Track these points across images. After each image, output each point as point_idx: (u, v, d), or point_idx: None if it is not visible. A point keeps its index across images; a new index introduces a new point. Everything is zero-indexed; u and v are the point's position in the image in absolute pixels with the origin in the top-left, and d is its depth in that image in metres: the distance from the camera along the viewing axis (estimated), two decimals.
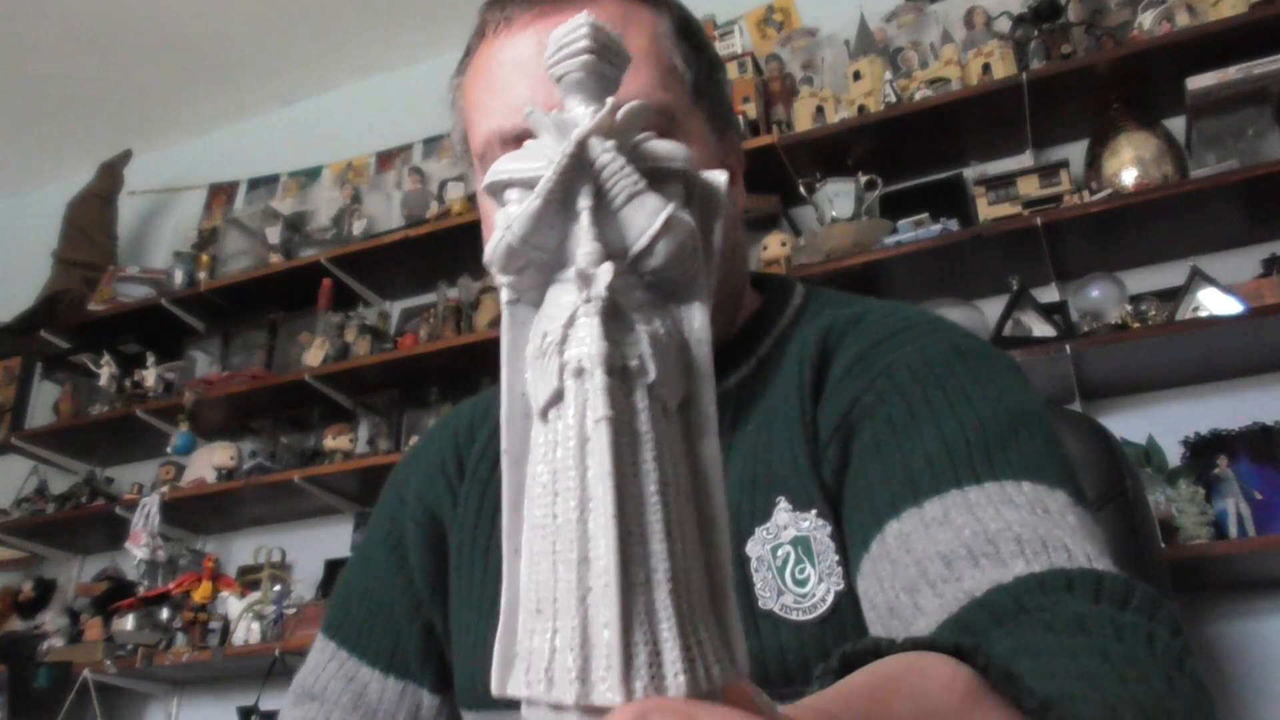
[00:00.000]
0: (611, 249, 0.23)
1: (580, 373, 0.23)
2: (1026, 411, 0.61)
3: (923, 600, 0.53)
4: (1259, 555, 1.80)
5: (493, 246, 0.24)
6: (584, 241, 0.23)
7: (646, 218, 0.23)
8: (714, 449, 0.24)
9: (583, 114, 0.24)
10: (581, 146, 0.23)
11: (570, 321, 0.23)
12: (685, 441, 0.24)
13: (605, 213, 0.23)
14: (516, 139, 0.67)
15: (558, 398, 0.23)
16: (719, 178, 0.26)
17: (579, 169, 0.23)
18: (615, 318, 0.23)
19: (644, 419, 0.23)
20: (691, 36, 0.73)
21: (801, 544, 0.63)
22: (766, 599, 0.63)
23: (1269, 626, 1.90)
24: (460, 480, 0.82)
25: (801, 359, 0.69)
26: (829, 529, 0.63)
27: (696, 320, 0.25)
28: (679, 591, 0.22)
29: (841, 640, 0.59)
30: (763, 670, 0.61)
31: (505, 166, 0.25)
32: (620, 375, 0.23)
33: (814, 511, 0.63)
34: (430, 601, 0.82)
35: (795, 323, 0.76)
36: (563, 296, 0.23)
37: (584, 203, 0.23)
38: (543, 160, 0.24)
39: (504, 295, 0.25)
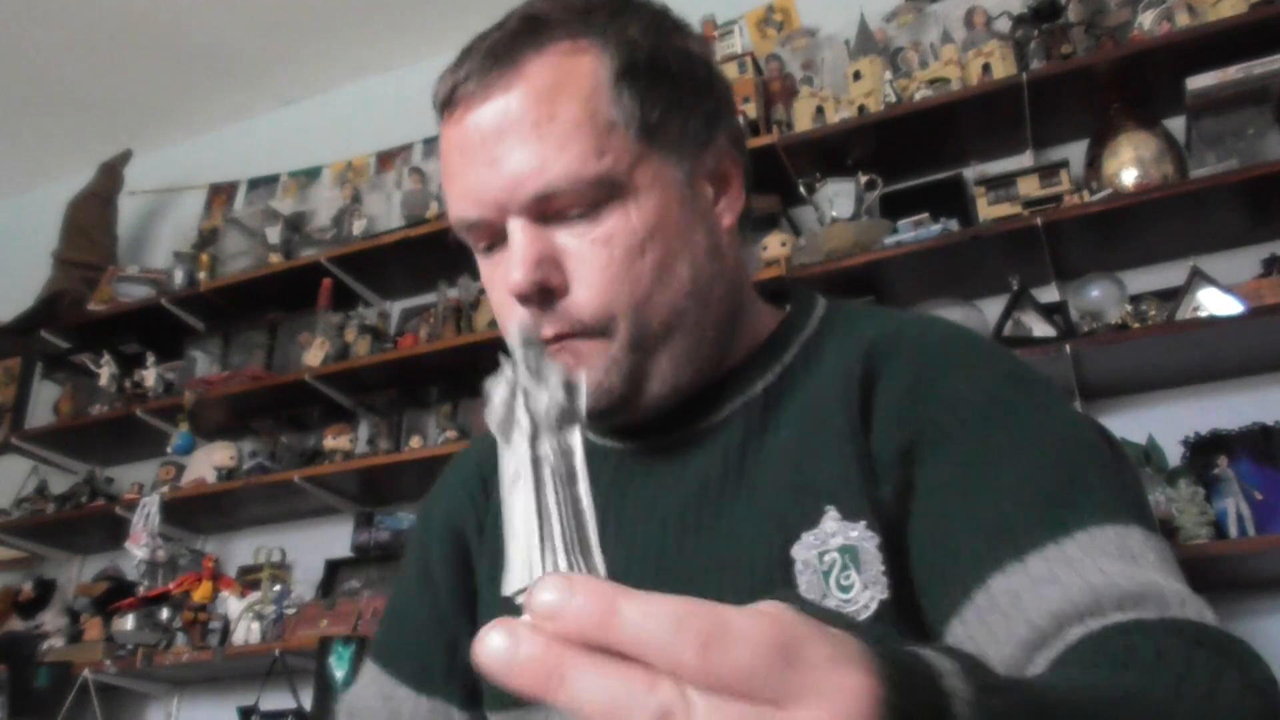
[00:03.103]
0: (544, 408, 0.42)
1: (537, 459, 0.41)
2: (1084, 441, 0.64)
3: (1037, 656, 0.56)
4: (1259, 555, 1.80)
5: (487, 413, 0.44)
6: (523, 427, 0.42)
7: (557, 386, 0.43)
8: (586, 488, 0.41)
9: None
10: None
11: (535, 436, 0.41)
12: (570, 484, 0.40)
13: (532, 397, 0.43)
14: (468, 228, 0.71)
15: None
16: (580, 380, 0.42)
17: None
18: (550, 434, 0.41)
19: (563, 472, 0.41)
20: (645, 72, 0.70)
21: (849, 552, 0.64)
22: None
23: (1269, 626, 1.91)
24: (484, 497, 0.85)
25: (847, 374, 0.70)
26: (877, 540, 0.64)
27: (577, 436, 0.41)
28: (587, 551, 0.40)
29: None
30: None
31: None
32: (549, 454, 0.41)
33: (863, 523, 0.65)
34: (456, 615, 0.83)
35: (821, 333, 0.77)
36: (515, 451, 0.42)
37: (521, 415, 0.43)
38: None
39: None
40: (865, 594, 0.64)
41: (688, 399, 0.74)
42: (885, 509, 0.66)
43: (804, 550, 0.66)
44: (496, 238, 0.71)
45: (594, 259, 0.68)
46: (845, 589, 0.64)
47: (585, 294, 0.68)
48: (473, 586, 0.84)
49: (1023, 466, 0.62)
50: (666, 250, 0.70)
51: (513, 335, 0.50)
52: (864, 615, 0.63)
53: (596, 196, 0.68)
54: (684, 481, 0.73)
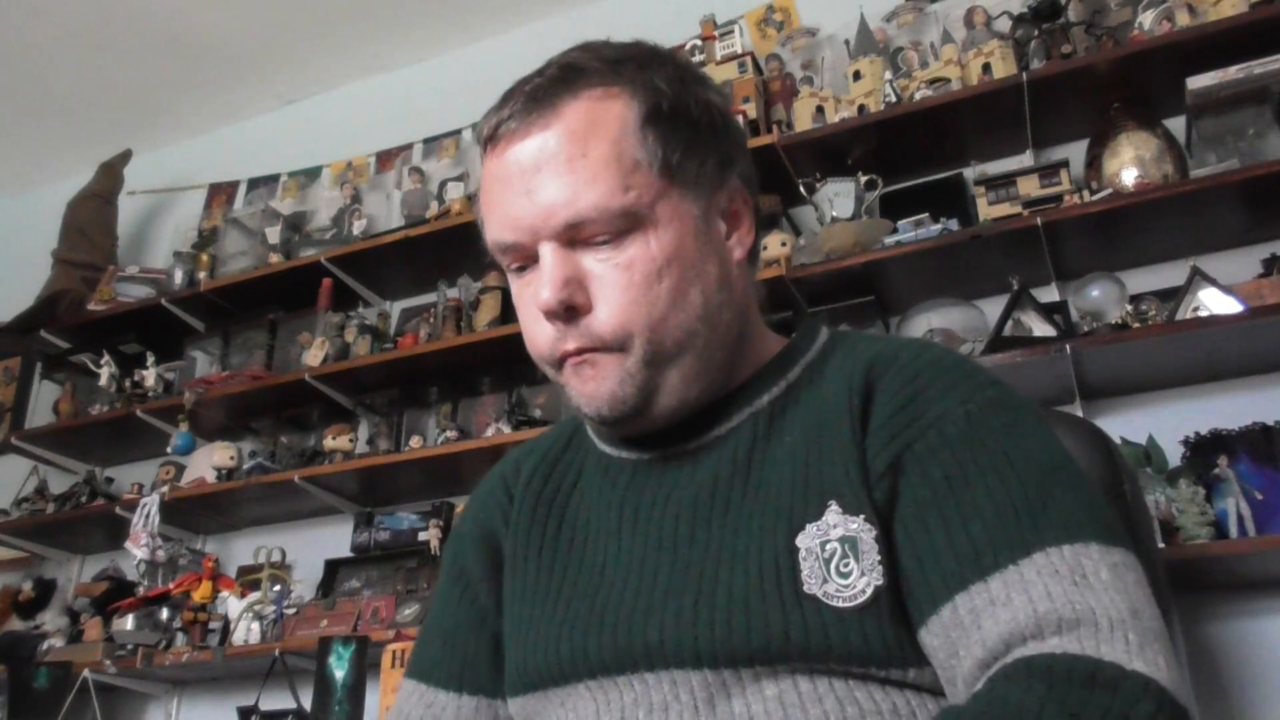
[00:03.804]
0: None
1: None
2: (1055, 465, 0.71)
3: (985, 675, 0.64)
4: (1259, 555, 1.80)
5: None
6: None
7: None
8: None
9: None
10: None
11: None
12: None
13: None
14: (503, 249, 0.80)
15: None
16: None
17: None
18: None
19: None
20: (668, 117, 0.78)
21: (849, 542, 0.71)
22: (811, 585, 0.70)
23: (1269, 626, 1.90)
24: (510, 503, 0.91)
25: (849, 387, 0.78)
26: (875, 533, 0.71)
27: None
28: None
29: (876, 627, 0.69)
30: (804, 646, 0.69)
31: None
32: None
33: (862, 517, 0.72)
34: (494, 612, 0.88)
35: (823, 356, 0.85)
36: None
37: None
38: None
39: None
40: (862, 580, 0.70)
41: (697, 413, 0.81)
42: (877, 506, 0.73)
43: (807, 539, 0.72)
44: (528, 259, 0.79)
45: (615, 282, 0.76)
46: (844, 575, 0.70)
47: (606, 313, 0.76)
48: (503, 580, 0.89)
49: (994, 489, 0.69)
50: (682, 277, 0.77)
51: None
52: (861, 599, 0.69)
53: (621, 226, 0.76)
54: (696, 481, 0.80)
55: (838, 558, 0.71)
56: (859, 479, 0.73)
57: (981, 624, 0.65)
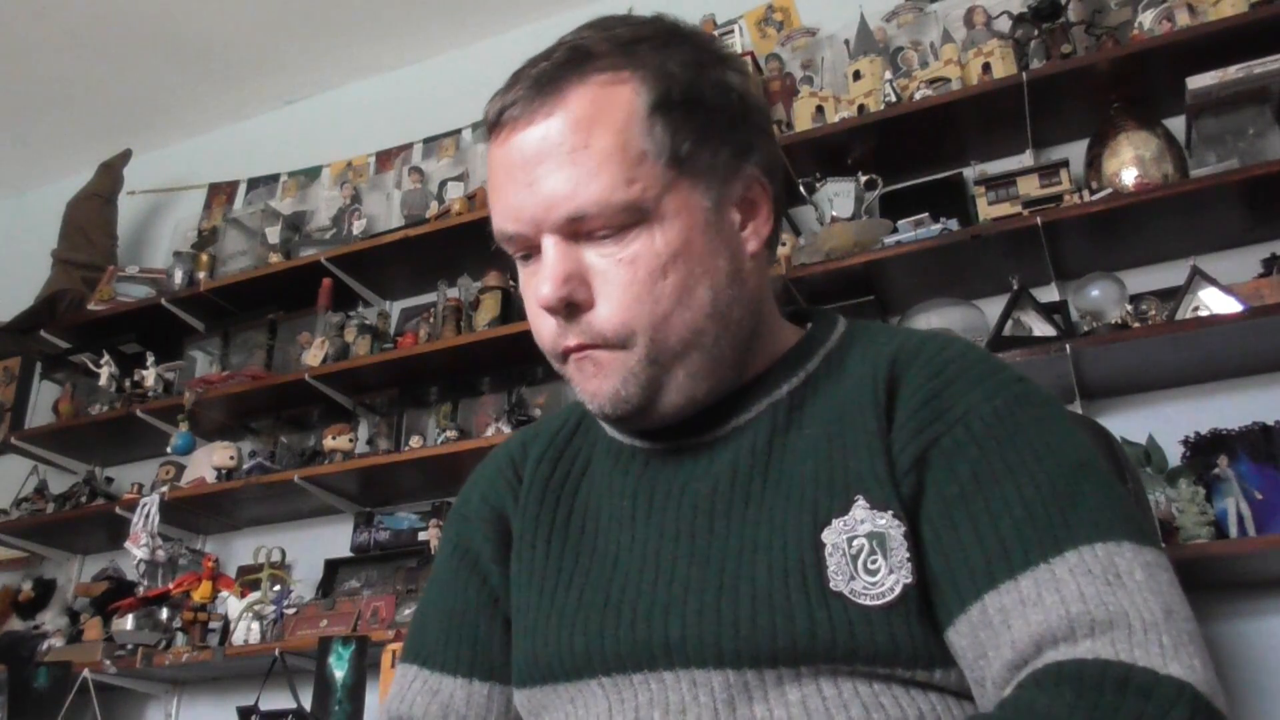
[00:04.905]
0: None
1: None
2: (1084, 462, 0.69)
3: (1015, 677, 0.63)
4: (1259, 555, 1.80)
5: None
6: None
7: None
8: None
9: None
10: None
11: None
12: None
13: None
14: (506, 239, 0.78)
15: None
16: None
17: None
18: None
19: None
20: (680, 104, 0.75)
21: (877, 539, 0.69)
22: (838, 581, 0.69)
23: (1269, 626, 1.90)
24: (517, 479, 0.89)
25: (873, 380, 0.76)
26: (903, 529, 0.69)
27: None
28: None
29: (904, 626, 0.67)
30: (831, 645, 0.67)
31: None
32: None
33: (890, 512, 0.70)
34: (506, 594, 0.86)
35: (843, 346, 0.82)
36: None
37: None
38: None
39: None
40: (891, 578, 0.68)
41: (712, 405, 0.79)
42: (904, 501, 0.71)
43: (833, 535, 0.70)
44: (532, 249, 0.77)
45: (618, 278, 0.73)
46: (872, 572, 0.68)
47: (608, 310, 0.74)
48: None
49: (1023, 485, 0.67)
50: (688, 273, 0.74)
51: None
52: (889, 597, 0.67)
53: (624, 220, 0.73)
54: (713, 472, 0.77)
55: (865, 554, 0.69)
56: (886, 473, 0.71)
57: (1011, 624, 0.63)
